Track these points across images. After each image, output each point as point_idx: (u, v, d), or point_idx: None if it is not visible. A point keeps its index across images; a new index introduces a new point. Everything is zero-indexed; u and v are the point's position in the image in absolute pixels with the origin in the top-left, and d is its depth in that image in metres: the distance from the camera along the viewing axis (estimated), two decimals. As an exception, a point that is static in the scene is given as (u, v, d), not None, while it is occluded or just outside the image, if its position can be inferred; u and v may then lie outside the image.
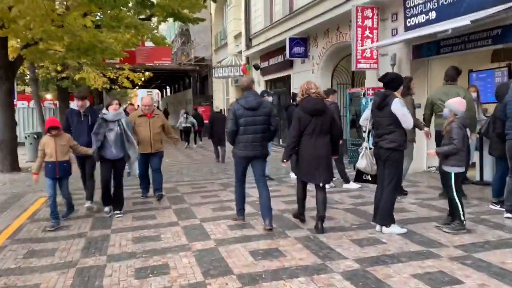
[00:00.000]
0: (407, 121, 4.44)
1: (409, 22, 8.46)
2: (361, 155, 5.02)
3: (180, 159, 13.20)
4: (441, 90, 6.33)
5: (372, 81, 9.77)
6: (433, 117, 6.30)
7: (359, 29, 9.16)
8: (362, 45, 9.18)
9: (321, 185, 4.74)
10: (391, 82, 4.59)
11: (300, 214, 5.13)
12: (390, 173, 4.56)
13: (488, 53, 9.20)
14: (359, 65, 9.27)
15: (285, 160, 4.95)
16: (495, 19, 6.46)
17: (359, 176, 5.03)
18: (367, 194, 6.56)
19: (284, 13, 14.42)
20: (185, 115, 16.95)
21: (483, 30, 6.81)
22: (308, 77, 12.96)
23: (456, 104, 4.56)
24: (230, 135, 5.03)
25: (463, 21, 5.99)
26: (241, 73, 18.41)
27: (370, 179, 4.93)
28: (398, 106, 4.43)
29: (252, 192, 7.01)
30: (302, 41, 12.93)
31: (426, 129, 4.87)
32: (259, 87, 17.01)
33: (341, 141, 7.55)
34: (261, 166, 5.12)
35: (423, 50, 8.27)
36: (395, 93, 4.59)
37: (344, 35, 10.92)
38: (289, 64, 14.30)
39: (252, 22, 17.89)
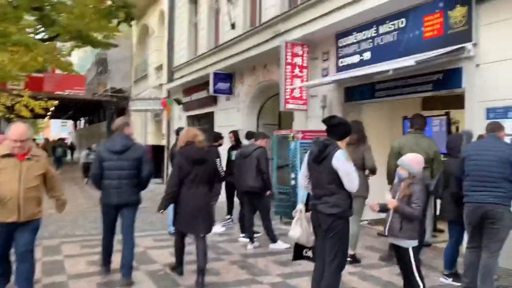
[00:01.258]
0: (351, 181, 3.43)
1: (341, 62, 7.82)
2: (294, 220, 3.90)
3: (79, 202, 11.25)
4: (411, 139, 5.47)
5: (300, 123, 8.96)
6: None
7: (288, 66, 8.36)
8: (291, 84, 8.36)
9: (201, 235, 4.64)
10: (337, 127, 3.60)
11: (178, 265, 4.88)
12: (333, 246, 3.47)
13: (419, 100, 8.86)
14: (288, 106, 8.42)
15: (161, 211, 4.71)
16: (437, 63, 5.91)
17: (299, 253, 3.90)
18: (298, 259, 5.43)
19: (210, 47, 13.48)
20: (86, 151, 15.43)
21: (423, 74, 6.24)
22: (233, 115, 11.96)
23: (413, 162, 3.67)
24: (93, 179, 4.77)
25: (407, 61, 5.33)
26: (161, 107, 17.04)
27: (311, 255, 3.79)
28: (341, 161, 3.42)
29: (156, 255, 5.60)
30: (227, 77, 11.98)
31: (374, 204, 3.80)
32: (180, 123, 15.70)
33: (268, 192, 6.49)
34: (129, 218, 4.74)
35: (356, 93, 7.61)
36: (339, 143, 3.59)
37: (272, 73, 10.13)
38: (213, 100, 13.22)
39: (175, 54, 16.77)
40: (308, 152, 3.78)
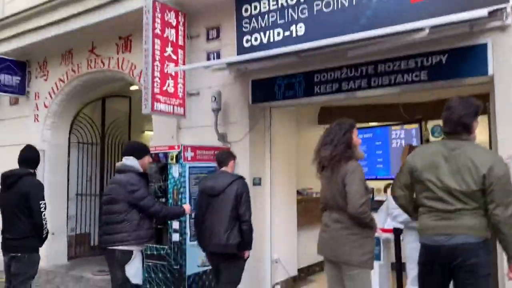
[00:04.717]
0: None
1: (247, 40, 5.02)
2: None
3: None
4: (436, 152, 2.63)
5: (165, 138, 5.66)
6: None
7: (157, 41, 5.06)
8: (163, 69, 5.08)
9: None
10: None
11: None
12: None
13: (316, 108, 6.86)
14: (158, 106, 5.04)
15: None
16: (438, 38, 3.81)
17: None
18: None
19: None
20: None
21: (408, 57, 4.07)
22: (26, 128, 7.52)
23: None
24: None
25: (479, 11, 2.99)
26: None
27: None
28: None
29: None
30: (17, 67, 7.52)
31: None
32: None
33: (247, 253, 3.92)
34: None
35: (274, 88, 4.94)
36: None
37: (106, 60, 6.51)
38: (-16, 106, 8.33)
39: None
40: None
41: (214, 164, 4.89)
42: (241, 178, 3.97)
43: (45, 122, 7.30)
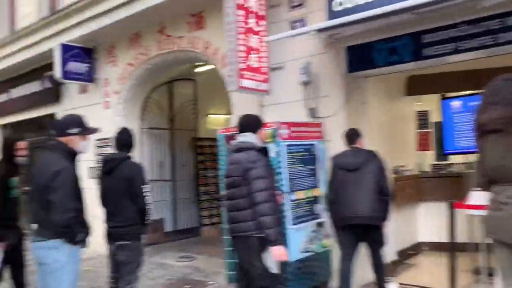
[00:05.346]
0: None
1: (340, 3, 4.53)
2: None
3: None
4: None
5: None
6: None
7: (240, 12, 4.67)
8: (247, 43, 4.70)
9: None
10: None
11: None
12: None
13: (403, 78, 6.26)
14: (244, 82, 4.68)
15: None
16: None
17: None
18: None
19: (44, 13, 8.52)
20: None
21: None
22: (98, 115, 7.41)
23: None
24: None
25: None
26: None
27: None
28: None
29: None
30: (85, 54, 7.41)
31: None
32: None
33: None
34: None
35: (374, 54, 4.43)
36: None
37: (177, 39, 6.22)
38: (53, 96, 8.34)
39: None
40: None
41: (311, 142, 4.53)
42: (377, 154, 4.01)
43: (117, 109, 7.18)
